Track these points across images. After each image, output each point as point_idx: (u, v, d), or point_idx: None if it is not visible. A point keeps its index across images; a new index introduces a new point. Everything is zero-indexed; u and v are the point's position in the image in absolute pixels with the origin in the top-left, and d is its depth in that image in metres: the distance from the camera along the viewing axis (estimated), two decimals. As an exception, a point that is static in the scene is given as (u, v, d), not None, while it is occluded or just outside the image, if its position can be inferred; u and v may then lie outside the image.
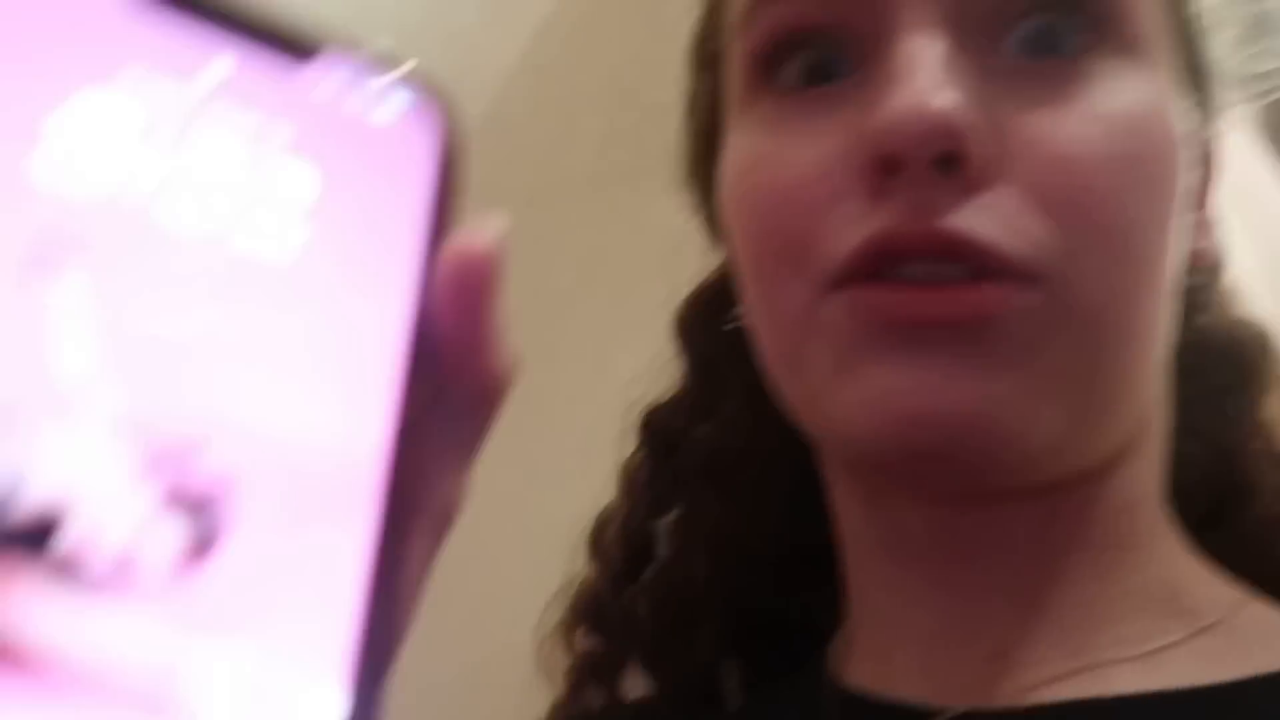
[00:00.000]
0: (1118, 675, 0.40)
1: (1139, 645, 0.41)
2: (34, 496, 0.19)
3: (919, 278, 0.38)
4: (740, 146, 0.44)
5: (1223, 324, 0.51)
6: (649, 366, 0.55)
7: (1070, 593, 0.42)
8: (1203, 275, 0.48)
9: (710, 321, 0.52)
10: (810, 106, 0.41)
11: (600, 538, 0.55)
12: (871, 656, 0.46)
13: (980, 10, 0.39)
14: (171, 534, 0.20)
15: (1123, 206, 0.38)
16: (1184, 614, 0.43)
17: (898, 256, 0.38)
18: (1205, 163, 0.46)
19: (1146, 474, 0.44)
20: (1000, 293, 0.37)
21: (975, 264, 0.37)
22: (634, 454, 0.55)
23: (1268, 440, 0.51)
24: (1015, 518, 0.42)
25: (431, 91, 0.24)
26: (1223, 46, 0.47)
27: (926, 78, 0.37)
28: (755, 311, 0.44)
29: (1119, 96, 0.39)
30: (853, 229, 0.38)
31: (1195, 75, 0.45)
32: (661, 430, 0.54)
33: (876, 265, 0.38)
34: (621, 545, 0.54)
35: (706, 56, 0.49)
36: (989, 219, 0.37)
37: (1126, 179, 0.39)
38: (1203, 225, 0.46)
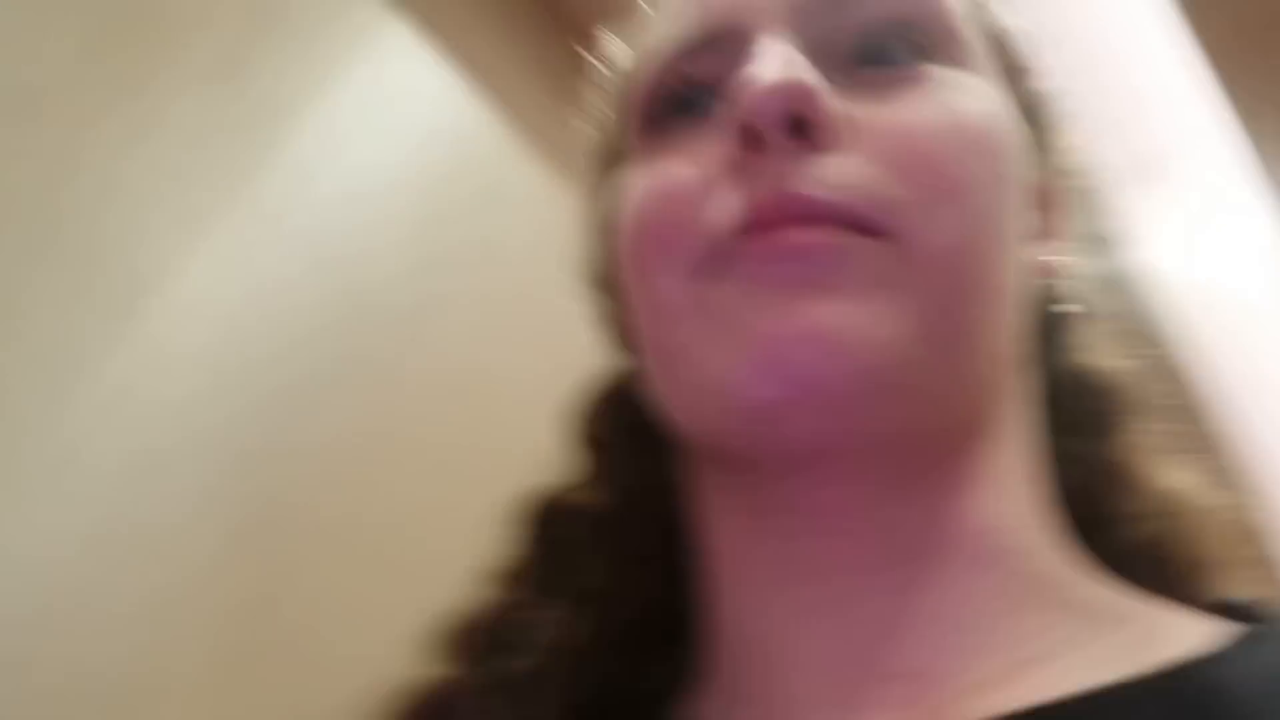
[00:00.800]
0: (1032, 680, 0.40)
1: (1042, 645, 0.41)
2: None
3: None
4: (632, 179, 0.47)
5: (1089, 362, 0.53)
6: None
7: (961, 588, 0.42)
8: (1058, 299, 0.50)
9: (615, 410, 0.54)
10: (693, 134, 0.45)
11: (471, 634, 0.51)
12: (751, 702, 0.44)
13: (823, 32, 0.44)
14: None
15: (964, 170, 0.42)
16: (1086, 613, 0.43)
17: (763, 221, 0.41)
18: (1047, 200, 0.50)
19: (1011, 464, 0.45)
20: (837, 232, 0.40)
21: (828, 214, 0.40)
22: (517, 541, 0.53)
23: (1128, 473, 0.52)
24: (882, 495, 0.42)
25: None
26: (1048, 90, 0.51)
27: (776, 58, 0.41)
28: (638, 311, 0.45)
29: (953, 92, 0.43)
30: (723, 209, 0.41)
31: (1027, 113, 0.48)
32: (547, 512, 0.53)
33: (748, 230, 0.41)
34: (489, 637, 0.50)
35: (612, 156, 0.51)
36: (838, 174, 0.40)
37: (965, 149, 0.42)
38: (1049, 244, 0.49)
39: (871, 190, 0.41)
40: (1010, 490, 0.45)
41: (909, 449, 0.42)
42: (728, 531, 0.46)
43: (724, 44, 0.45)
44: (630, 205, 0.46)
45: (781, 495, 0.43)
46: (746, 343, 0.40)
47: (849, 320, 0.39)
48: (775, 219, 0.40)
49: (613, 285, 0.51)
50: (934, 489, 0.43)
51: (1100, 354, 0.54)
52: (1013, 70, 0.50)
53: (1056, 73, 0.51)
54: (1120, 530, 0.50)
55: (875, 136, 0.42)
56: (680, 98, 0.46)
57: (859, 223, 0.40)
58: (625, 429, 0.53)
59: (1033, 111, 0.50)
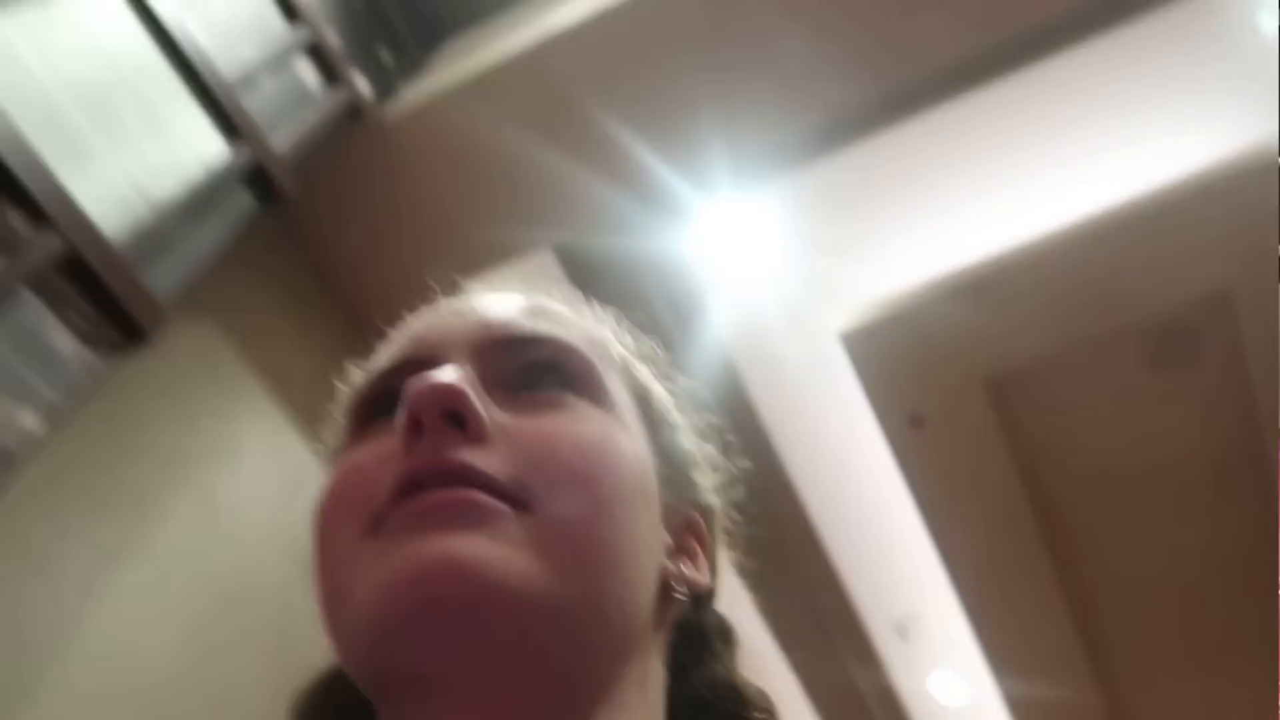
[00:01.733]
0: None
1: None
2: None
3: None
4: (336, 464, 0.54)
5: (734, 679, 0.60)
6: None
7: None
8: (696, 609, 0.58)
9: (321, 694, 0.58)
10: (384, 430, 0.52)
11: None
12: None
13: (496, 365, 0.54)
14: None
15: (583, 467, 0.50)
16: None
17: (420, 483, 0.47)
18: (687, 525, 0.58)
19: None
20: (484, 494, 0.47)
21: (471, 481, 0.47)
22: None
23: None
24: None
25: None
26: (688, 443, 0.61)
27: (444, 371, 0.50)
28: (318, 571, 0.50)
29: (589, 418, 0.53)
30: (388, 479, 0.48)
31: (666, 454, 0.58)
32: None
33: (407, 492, 0.47)
34: None
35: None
36: (483, 457, 0.48)
37: (586, 453, 0.50)
38: (686, 560, 0.57)
39: (508, 473, 0.48)
40: None
41: (533, 684, 0.46)
42: None
43: (420, 366, 0.53)
44: (327, 483, 0.52)
45: (413, 686, 0.46)
46: (389, 570, 0.45)
47: (482, 552, 0.44)
48: (426, 481, 0.47)
49: None
50: (560, 707, 0.47)
51: (743, 674, 0.60)
52: (653, 420, 0.59)
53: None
54: None
55: (518, 438, 0.49)
56: (381, 402, 0.54)
57: (497, 493, 0.47)
58: (326, 710, 0.57)
59: (671, 454, 0.58)
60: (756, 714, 0.58)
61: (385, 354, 0.57)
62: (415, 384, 0.48)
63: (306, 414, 1.88)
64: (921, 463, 3.28)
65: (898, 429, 3.23)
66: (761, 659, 3.62)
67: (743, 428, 3.47)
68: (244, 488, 1.81)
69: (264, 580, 1.64)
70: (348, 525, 0.48)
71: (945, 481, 3.34)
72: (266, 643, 1.58)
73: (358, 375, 0.59)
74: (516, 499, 0.47)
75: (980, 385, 3.13)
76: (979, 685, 4.39)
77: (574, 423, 0.51)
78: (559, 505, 0.47)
